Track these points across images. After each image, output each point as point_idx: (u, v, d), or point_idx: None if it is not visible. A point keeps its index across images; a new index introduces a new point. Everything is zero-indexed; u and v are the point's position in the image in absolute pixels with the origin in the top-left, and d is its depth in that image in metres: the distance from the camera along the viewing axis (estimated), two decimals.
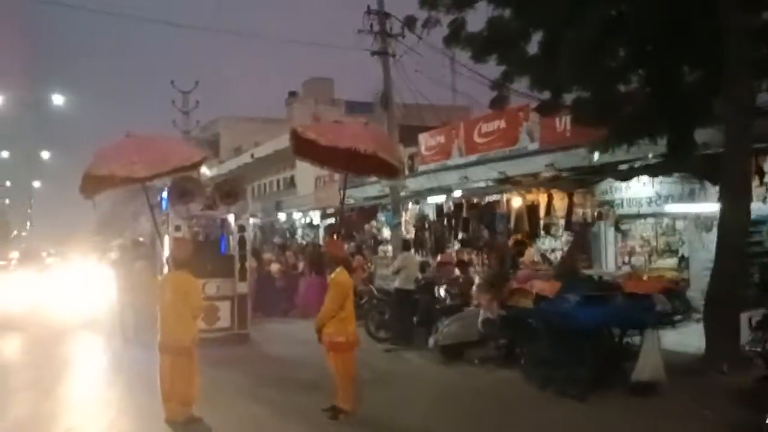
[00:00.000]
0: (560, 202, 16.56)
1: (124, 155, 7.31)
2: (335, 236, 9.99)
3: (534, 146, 17.88)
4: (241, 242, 11.95)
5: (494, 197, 17.59)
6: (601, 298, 8.68)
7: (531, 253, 17.74)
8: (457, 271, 13.74)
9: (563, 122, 16.61)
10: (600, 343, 8.78)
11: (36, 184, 61.35)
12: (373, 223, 21.97)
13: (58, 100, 35.91)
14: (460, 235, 18.73)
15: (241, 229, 12.04)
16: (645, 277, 11.43)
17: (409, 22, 15.99)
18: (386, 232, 21.56)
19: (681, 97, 10.64)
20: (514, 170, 17.37)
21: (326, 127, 9.10)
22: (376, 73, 17.01)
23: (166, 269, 8.25)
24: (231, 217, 12.08)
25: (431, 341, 10.82)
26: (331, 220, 25.39)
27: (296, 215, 29.91)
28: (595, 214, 15.44)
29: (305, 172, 30.43)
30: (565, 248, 16.97)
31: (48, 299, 19.75)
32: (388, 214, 21.28)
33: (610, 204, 15.24)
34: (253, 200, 37.05)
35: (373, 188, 23.23)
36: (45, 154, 49.45)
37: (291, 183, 33.65)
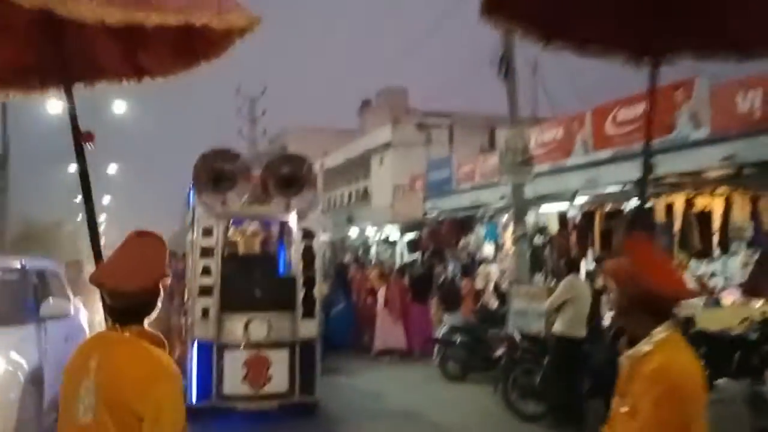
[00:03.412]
0: (740, 210, 11.40)
1: None
2: None
3: (700, 134, 12.59)
4: (307, 256, 7.15)
5: (649, 203, 12.29)
6: None
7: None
8: None
9: (750, 98, 11.47)
10: None
11: (106, 199, 58.65)
12: (470, 237, 16.91)
13: (119, 108, 32.30)
14: (591, 253, 13.58)
15: (308, 235, 7.26)
16: None
17: None
18: (487, 249, 16.51)
19: None
20: (668, 167, 12.23)
21: None
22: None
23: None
24: (293, 218, 7.34)
25: None
26: (413, 235, 20.53)
27: (370, 230, 25.23)
28: None
29: (381, 181, 25.78)
30: (748, 270, 11.78)
31: None
32: (491, 226, 16.27)
33: None
34: (324, 215, 32.83)
35: (466, 197, 18.43)
36: (112, 168, 46.20)
37: (364, 194, 29.05)
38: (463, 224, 17.70)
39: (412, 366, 11.50)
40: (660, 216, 12.23)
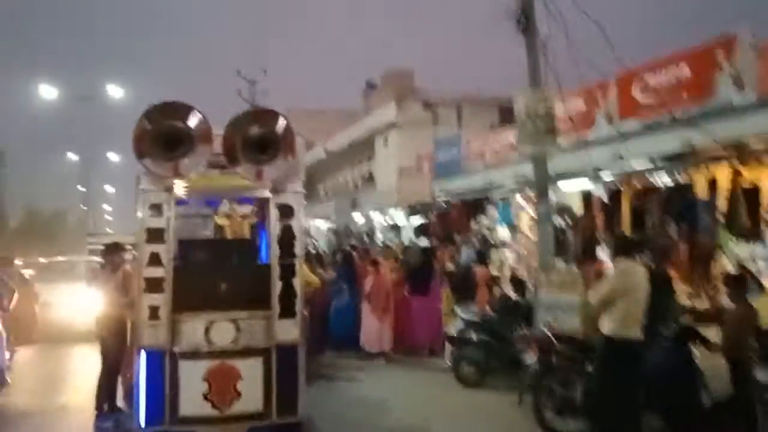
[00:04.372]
0: None
1: None
2: None
3: (746, 99, 10.88)
4: (286, 239, 5.51)
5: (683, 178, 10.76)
6: None
7: (723, 264, 11.09)
8: None
9: None
10: None
11: (107, 188, 57.20)
12: (483, 221, 15.29)
13: (115, 92, 30.72)
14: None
15: (286, 213, 5.61)
16: None
17: None
18: (502, 232, 14.90)
19: None
20: (709, 137, 10.63)
21: None
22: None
23: None
24: (265, 192, 5.68)
25: None
26: (420, 220, 18.94)
27: (375, 215, 23.65)
28: None
29: (386, 164, 24.15)
30: None
31: None
32: (505, 208, 14.65)
33: None
34: (327, 200, 31.16)
35: (477, 177, 16.77)
36: (113, 156, 44.56)
37: (369, 179, 27.40)
38: (475, 206, 16.10)
39: (421, 368, 9.93)
40: (701, 193, 10.60)
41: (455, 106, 23.73)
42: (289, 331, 5.60)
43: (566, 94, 12.82)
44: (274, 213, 5.69)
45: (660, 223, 10.60)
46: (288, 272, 5.61)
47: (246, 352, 5.51)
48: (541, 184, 9.23)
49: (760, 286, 11.26)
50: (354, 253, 12.30)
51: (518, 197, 15.04)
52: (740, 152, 10.34)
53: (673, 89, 12.07)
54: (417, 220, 19.47)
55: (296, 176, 5.75)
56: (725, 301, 7.62)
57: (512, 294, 11.78)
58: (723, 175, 10.34)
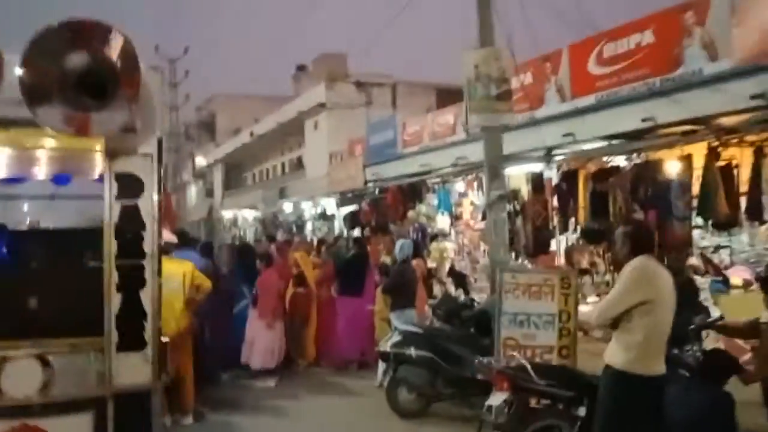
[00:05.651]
0: None
1: None
2: None
3: (718, 67, 9.44)
4: (128, 229, 3.43)
5: (658, 155, 9.27)
6: None
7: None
8: None
9: None
10: None
11: None
12: (420, 209, 13.49)
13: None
14: (574, 224, 10.45)
15: (128, 188, 3.49)
16: None
17: None
18: (441, 222, 13.16)
19: None
20: (672, 113, 9.28)
21: None
22: None
23: None
24: (97, 157, 3.60)
25: None
26: (353, 207, 17.02)
27: (305, 204, 21.60)
28: None
29: (315, 148, 22.12)
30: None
31: None
32: (444, 194, 12.90)
33: None
34: (255, 189, 28.78)
35: (413, 162, 14.99)
36: None
37: (299, 165, 25.25)
38: (412, 193, 14.29)
39: (347, 389, 7.80)
40: (670, 173, 9.09)
41: (390, 87, 21.91)
42: (134, 370, 3.57)
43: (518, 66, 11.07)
44: (110, 188, 3.62)
45: (625, 209, 9.00)
46: (132, 280, 3.56)
47: (63, 407, 3.44)
48: (494, 162, 7.45)
49: (725, 280, 9.91)
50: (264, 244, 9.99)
51: (459, 182, 13.37)
52: (710, 128, 8.94)
53: (633, 59, 10.58)
54: (348, 209, 17.54)
55: (148, 130, 3.69)
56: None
57: (453, 290, 10.06)
58: (698, 153, 8.89)
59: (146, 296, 3.63)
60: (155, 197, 3.73)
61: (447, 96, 18.83)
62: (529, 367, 4.27)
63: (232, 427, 6.34)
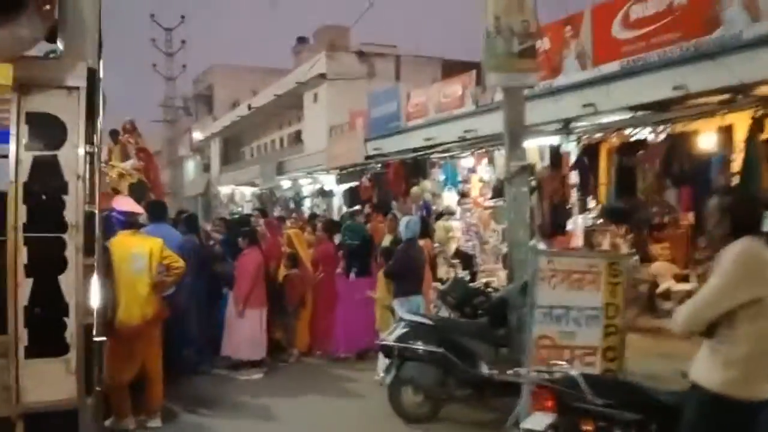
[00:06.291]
0: None
1: None
2: None
3: (760, 29, 8.43)
4: (45, 187, 2.51)
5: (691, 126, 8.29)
6: None
7: None
8: None
9: None
10: None
11: None
12: (425, 184, 12.52)
13: None
14: (593, 201, 9.54)
15: (48, 130, 2.60)
16: None
17: None
18: (448, 199, 12.20)
19: None
20: (708, 81, 8.28)
21: None
22: None
23: None
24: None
25: None
26: (354, 183, 16.05)
27: (303, 180, 20.63)
28: None
29: (315, 121, 21.07)
30: None
31: None
32: (450, 169, 11.93)
33: None
34: (252, 162, 27.74)
35: (418, 135, 14.01)
36: None
37: (297, 140, 24.20)
38: (416, 168, 13.32)
39: (345, 385, 6.81)
40: (708, 146, 8.11)
41: (393, 58, 20.79)
42: (52, 382, 2.62)
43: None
44: (18, 133, 2.64)
45: (657, 187, 8.02)
46: (48, 260, 2.61)
47: None
48: (516, 128, 6.43)
49: None
50: (257, 222, 8.89)
51: (467, 157, 12.38)
52: (753, 98, 7.96)
53: (662, 23, 9.54)
54: (348, 185, 16.58)
55: (75, 56, 2.70)
56: None
57: (462, 273, 9.14)
58: (740, 124, 7.90)
59: (68, 282, 2.68)
60: (84, 148, 2.75)
61: (453, 69, 17.80)
62: (581, 380, 3.31)
63: (207, 430, 5.41)
